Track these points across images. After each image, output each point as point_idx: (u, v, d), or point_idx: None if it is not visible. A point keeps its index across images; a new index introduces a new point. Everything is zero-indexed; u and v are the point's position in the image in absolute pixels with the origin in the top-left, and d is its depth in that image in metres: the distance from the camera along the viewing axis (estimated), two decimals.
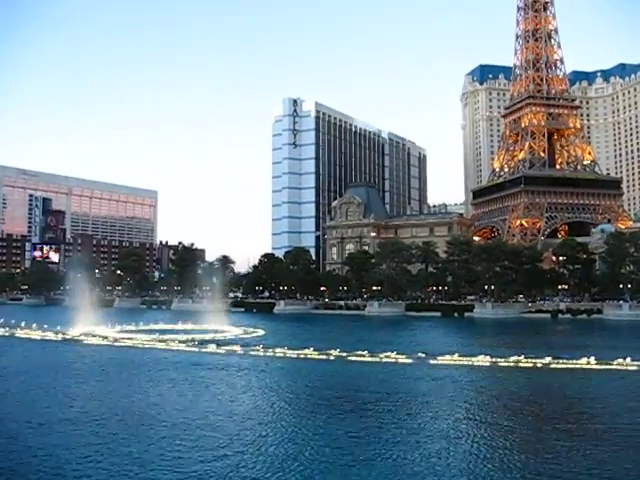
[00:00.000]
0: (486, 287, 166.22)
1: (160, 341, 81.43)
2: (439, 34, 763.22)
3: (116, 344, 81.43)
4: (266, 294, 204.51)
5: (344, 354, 66.28)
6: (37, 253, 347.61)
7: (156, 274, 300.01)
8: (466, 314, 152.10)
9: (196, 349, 74.61)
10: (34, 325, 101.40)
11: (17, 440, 32.87)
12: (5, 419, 37.75)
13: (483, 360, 61.78)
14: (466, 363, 61.19)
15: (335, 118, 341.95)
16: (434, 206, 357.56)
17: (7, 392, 47.46)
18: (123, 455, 29.82)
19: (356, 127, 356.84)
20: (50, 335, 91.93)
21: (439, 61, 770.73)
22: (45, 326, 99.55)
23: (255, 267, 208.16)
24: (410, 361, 62.27)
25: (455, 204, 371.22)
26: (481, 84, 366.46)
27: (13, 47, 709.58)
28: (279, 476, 27.18)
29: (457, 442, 32.61)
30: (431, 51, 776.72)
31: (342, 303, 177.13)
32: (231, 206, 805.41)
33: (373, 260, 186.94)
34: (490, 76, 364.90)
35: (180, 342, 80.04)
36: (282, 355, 68.42)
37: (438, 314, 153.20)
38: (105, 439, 32.73)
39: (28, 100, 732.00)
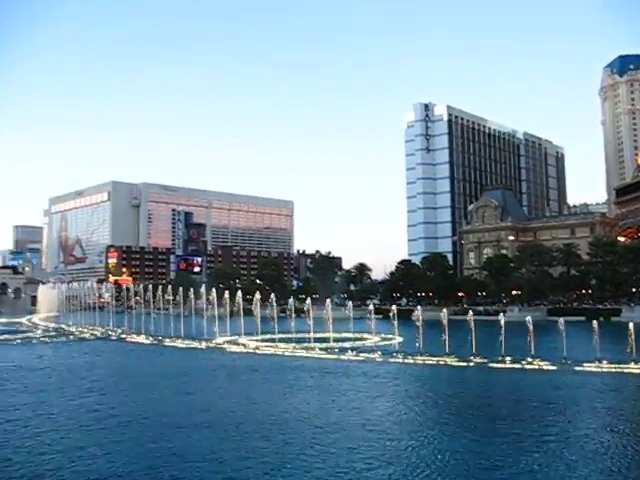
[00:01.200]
0: (634, 290, 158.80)
1: (299, 349, 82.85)
2: (572, 27, 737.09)
3: (257, 352, 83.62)
4: (404, 301, 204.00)
5: (485, 360, 65.27)
6: (181, 265, 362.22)
7: (294, 283, 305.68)
8: (612, 318, 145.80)
9: (335, 356, 75.42)
10: (180, 334, 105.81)
11: (159, 441, 34.65)
12: (149, 422, 39.99)
13: (634, 367, 59.12)
14: (614, 370, 58.73)
15: (468, 120, 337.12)
16: (574, 206, 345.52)
17: (153, 397, 49.87)
18: (255, 460, 30.68)
19: (490, 129, 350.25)
20: (195, 344, 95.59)
21: (574, 55, 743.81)
22: (190, 335, 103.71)
23: (392, 274, 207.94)
24: (554, 368, 60.49)
25: (597, 203, 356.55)
26: (621, 76, 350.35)
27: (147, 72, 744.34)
28: None
29: (594, 454, 31.33)
30: (565, 45, 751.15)
31: (481, 308, 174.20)
32: (366, 213, 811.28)
33: (512, 264, 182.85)
34: (631, 67, 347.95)
35: (319, 349, 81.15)
36: (421, 362, 68.14)
37: (582, 318, 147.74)
38: (239, 444, 33.88)
39: (166, 120, 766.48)
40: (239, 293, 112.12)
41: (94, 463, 30.62)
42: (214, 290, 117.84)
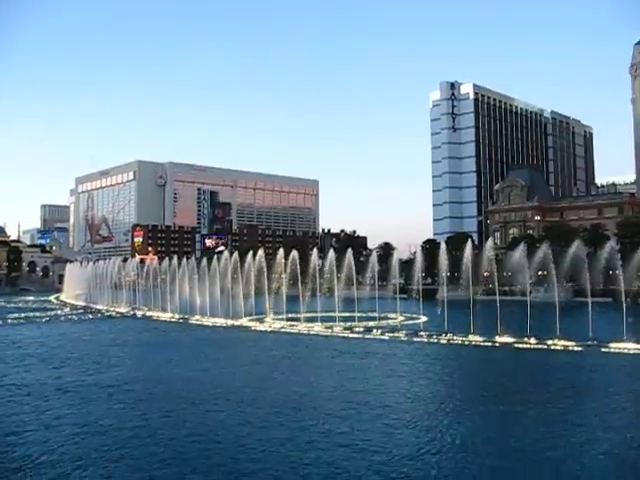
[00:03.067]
0: None
1: (324, 328, 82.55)
2: (603, 1, 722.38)
3: (282, 330, 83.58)
4: (428, 280, 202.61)
5: (510, 340, 64.40)
6: (207, 243, 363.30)
7: (319, 262, 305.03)
8: None
9: (360, 335, 75.15)
10: (206, 312, 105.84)
11: (169, 416, 34.69)
12: (160, 397, 40.29)
13: None
14: None
15: (495, 99, 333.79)
16: (602, 186, 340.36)
17: (169, 373, 49.80)
18: (273, 438, 30.23)
19: (517, 107, 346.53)
20: (220, 322, 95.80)
21: (604, 31, 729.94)
22: (216, 313, 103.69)
23: (417, 253, 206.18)
24: (580, 349, 59.40)
25: (625, 183, 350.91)
26: None
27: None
28: (414, 464, 26.17)
29: (620, 433, 30.72)
30: (595, 21, 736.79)
31: (506, 289, 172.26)
32: (391, 193, 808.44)
33: (538, 244, 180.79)
34: None
35: (344, 329, 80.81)
36: (446, 342, 67.50)
37: (609, 299, 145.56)
38: (257, 421, 33.41)
39: (192, 99, 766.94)
40: (264, 271, 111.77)
41: (103, 436, 30.71)
42: (242, 269, 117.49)
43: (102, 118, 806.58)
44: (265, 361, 56.81)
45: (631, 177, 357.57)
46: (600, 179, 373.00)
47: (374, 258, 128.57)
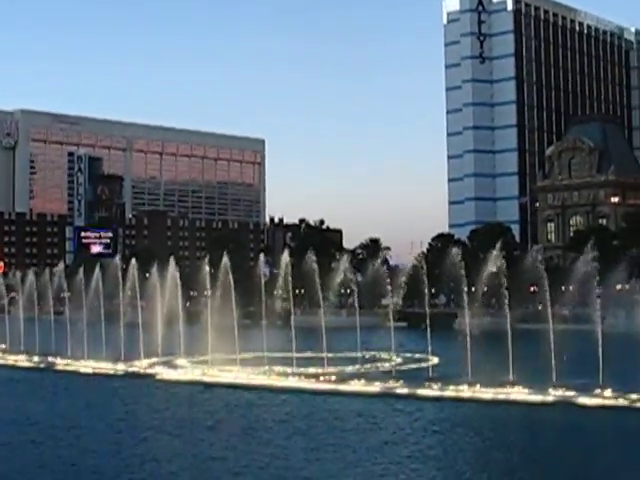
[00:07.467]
0: None
1: (273, 375, 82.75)
2: None
3: (206, 380, 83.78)
4: (442, 300, 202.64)
5: (570, 393, 64.83)
6: (85, 241, 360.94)
7: (266, 270, 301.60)
8: None
9: (331, 386, 75.64)
10: (83, 352, 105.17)
11: None
12: None
13: None
14: None
15: (546, 11, 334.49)
16: None
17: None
18: None
19: (582, 25, 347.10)
20: (107, 367, 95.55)
21: None
22: (99, 353, 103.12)
23: (424, 256, 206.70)
24: None
25: None
26: None
27: None
28: None
29: None
30: None
31: (566, 312, 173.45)
32: (378, 161, 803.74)
33: (615, 241, 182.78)
34: None
35: (306, 377, 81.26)
36: (469, 396, 67.88)
37: None
38: None
39: (58, 18, 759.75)
40: (177, 286, 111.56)
41: None
42: (136, 281, 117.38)
43: None
44: (164, 431, 56.53)
45: None
46: None
47: (353, 264, 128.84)
